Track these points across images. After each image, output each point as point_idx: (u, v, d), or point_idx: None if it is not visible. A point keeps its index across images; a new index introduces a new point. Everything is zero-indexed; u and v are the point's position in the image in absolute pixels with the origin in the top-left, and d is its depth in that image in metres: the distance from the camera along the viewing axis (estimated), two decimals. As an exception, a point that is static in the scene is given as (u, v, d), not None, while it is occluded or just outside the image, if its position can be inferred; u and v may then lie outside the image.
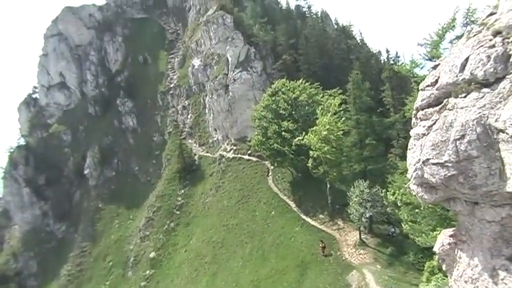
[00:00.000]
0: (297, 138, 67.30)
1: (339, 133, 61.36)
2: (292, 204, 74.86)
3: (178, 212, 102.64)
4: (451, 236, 10.73)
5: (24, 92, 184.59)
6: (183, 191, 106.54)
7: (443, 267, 10.97)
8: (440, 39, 30.33)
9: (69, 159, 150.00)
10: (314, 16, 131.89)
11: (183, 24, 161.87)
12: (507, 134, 7.57)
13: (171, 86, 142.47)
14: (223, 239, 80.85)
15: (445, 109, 9.75)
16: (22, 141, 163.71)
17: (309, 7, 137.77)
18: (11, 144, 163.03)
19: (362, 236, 58.93)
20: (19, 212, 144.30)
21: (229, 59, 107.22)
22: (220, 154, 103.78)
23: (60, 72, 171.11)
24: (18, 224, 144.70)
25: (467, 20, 27.47)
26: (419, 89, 11.64)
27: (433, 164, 9.73)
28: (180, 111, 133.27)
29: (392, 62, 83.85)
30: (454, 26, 28.70)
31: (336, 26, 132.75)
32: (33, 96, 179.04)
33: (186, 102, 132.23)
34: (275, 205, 77.22)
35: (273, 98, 77.53)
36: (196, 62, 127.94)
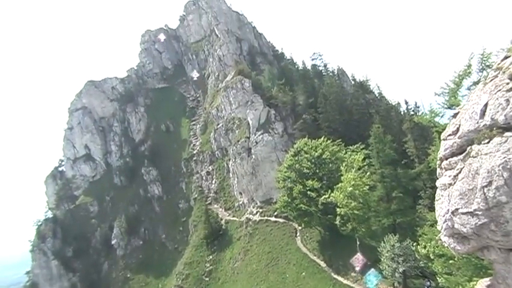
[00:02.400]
0: (323, 197, 66.80)
1: (364, 188, 60.77)
2: (323, 264, 73.23)
3: (207, 279, 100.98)
4: (488, 285, 10.37)
5: (51, 166, 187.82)
6: (211, 256, 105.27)
7: (484, 320, 10.51)
8: (458, 87, 30.28)
9: (96, 230, 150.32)
10: (331, 74, 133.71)
11: (203, 91, 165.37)
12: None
13: (194, 152, 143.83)
14: (254, 304, 79.02)
15: (469, 157, 9.65)
16: (49, 214, 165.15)
17: (325, 65, 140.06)
18: (38, 217, 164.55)
19: (397, 292, 57.05)
20: (48, 285, 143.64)
21: (250, 122, 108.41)
22: (246, 217, 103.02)
23: (85, 145, 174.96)
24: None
25: (483, 65, 27.44)
26: (441, 138, 11.57)
27: (463, 213, 9.54)
28: (204, 177, 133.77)
29: (412, 112, 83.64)
30: (470, 72, 28.68)
31: (353, 82, 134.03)
32: (60, 169, 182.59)
33: (209, 167, 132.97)
34: (305, 266, 75.66)
35: (296, 158, 77.56)
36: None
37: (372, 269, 57.36)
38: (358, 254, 60.78)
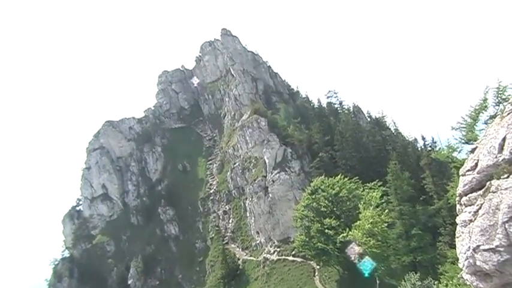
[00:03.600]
0: (341, 235, 66.08)
1: (383, 226, 60.20)
2: (342, 304, 71.87)
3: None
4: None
5: (68, 205, 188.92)
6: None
7: None
8: (475, 121, 30.15)
9: (112, 269, 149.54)
10: (346, 111, 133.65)
11: (219, 131, 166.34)
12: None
13: (211, 191, 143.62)
14: None
15: (489, 192, 9.49)
16: (66, 253, 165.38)
17: (341, 103, 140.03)
18: (55, 256, 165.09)
19: (419, 333, 55.46)
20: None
21: (267, 161, 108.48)
22: (264, 257, 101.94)
23: (103, 184, 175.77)
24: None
25: (499, 98, 27.31)
26: (460, 174, 11.44)
27: (484, 250, 9.34)
28: (221, 216, 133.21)
29: (429, 148, 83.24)
30: (486, 106, 28.57)
31: (369, 119, 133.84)
32: (77, 208, 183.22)
33: (226, 207, 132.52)
34: (324, 306, 74.27)
35: (313, 197, 77.15)
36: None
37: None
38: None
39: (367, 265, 57.32)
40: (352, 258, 60.43)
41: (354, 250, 61.35)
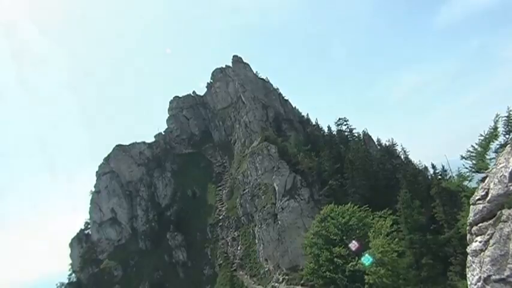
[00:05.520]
0: (350, 264, 65.39)
1: (393, 255, 59.55)
2: (351, 335, 70.48)
3: None
4: None
5: (76, 228, 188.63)
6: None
7: None
8: (485, 150, 30.04)
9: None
10: (356, 139, 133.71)
11: (229, 157, 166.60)
12: None
13: (220, 218, 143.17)
14: None
15: (500, 221, 9.45)
16: (73, 277, 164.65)
17: (351, 131, 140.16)
18: (61, 280, 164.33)
19: None
20: None
21: (276, 188, 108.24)
22: (272, 285, 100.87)
23: (112, 209, 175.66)
24: None
25: (509, 127, 27.26)
26: (470, 203, 11.39)
27: (495, 280, 9.25)
28: (229, 243, 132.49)
29: (439, 176, 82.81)
30: (496, 135, 28.49)
31: (379, 147, 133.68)
32: (86, 232, 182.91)
33: (235, 233, 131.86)
34: (333, 337, 72.84)
35: (323, 224, 76.53)
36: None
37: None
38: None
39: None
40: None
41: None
